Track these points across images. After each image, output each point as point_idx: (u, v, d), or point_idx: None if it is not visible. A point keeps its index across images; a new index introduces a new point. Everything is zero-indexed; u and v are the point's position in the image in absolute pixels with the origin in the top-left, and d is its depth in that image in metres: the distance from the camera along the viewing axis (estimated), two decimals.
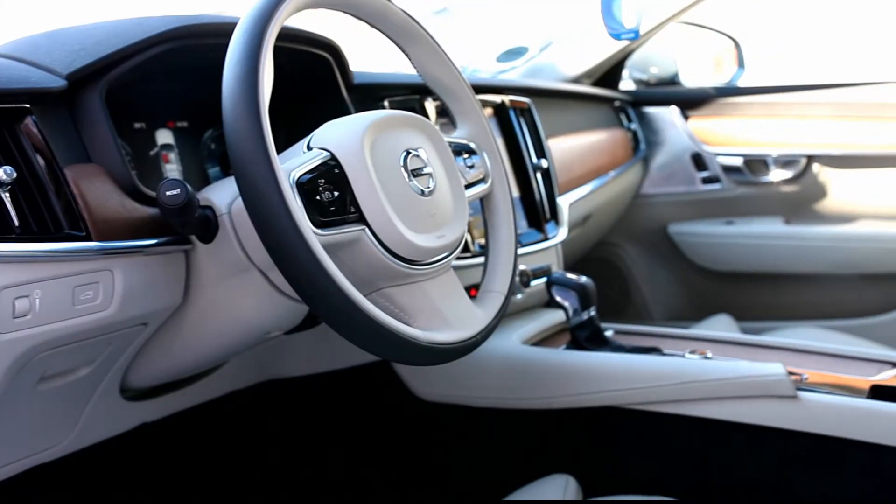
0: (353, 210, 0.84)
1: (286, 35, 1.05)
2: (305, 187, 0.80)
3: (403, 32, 1.00)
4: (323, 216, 0.80)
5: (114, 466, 1.24)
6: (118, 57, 0.90)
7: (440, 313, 0.92)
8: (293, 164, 0.80)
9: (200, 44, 0.97)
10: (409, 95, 1.34)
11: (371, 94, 1.28)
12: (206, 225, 0.87)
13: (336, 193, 0.82)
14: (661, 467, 1.24)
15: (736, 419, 1.16)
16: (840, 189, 2.25)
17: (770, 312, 2.27)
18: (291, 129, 1.17)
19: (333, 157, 0.84)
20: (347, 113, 1.18)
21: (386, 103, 1.29)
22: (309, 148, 0.86)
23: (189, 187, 0.81)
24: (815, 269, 2.25)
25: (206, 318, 0.96)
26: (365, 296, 0.80)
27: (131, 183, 0.88)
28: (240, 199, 0.77)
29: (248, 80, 0.76)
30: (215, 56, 0.83)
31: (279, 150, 0.82)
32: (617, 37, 1.32)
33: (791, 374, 1.15)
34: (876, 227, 2.20)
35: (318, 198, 0.80)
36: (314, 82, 1.19)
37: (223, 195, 0.88)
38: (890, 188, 2.20)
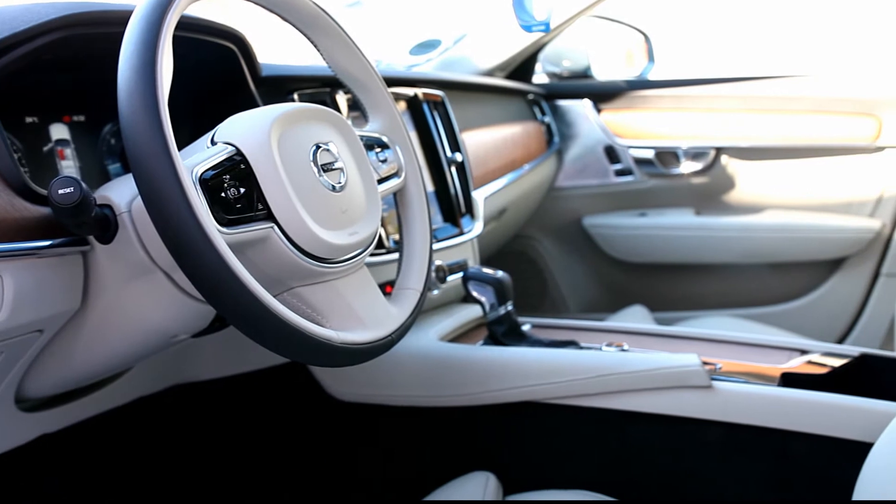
0: (260, 207, 0.80)
1: (188, 25, 1.01)
2: (209, 184, 0.76)
3: (313, 24, 0.97)
4: (228, 214, 0.76)
5: (13, 480, 1.18)
6: (2, 46, 0.84)
7: (354, 312, 0.90)
8: (196, 160, 0.76)
9: (95, 32, 0.92)
10: (319, 88, 1.30)
11: (280, 87, 1.24)
12: (105, 225, 0.82)
13: (242, 190, 0.79)
14: (582, 461, 1.24)
15: (653, 410, 1.17)
16: (747, 180, 2.30)
17: (682, 302, 2.32)
18: (196, 124, 1.12)
19: (239, 152, 0.80)
20: (255, 107, 1.14)
21: (295, 96, 1.25)
22: (213, 143, 0.82)
23: (83, 185, 0.76)
24: (724, 258, 2.30)
25: (107, 322, 0.91)
26: (275, 296, 0.77)
27: (21, 181, 0.82)
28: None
29: (144, 72, 0.72)
30: (112, 46, 0.78)
31: (183, 147, 0.78)
32: (528, 29, 1.31)
33: (705, 364, 1.17)
34: (781, 218, 2.27)
35: (223, 195, 0.77)
36: (219, 75, 1.14)
37: (122, 193, 0.83)
38: (794, 179, 2.26)
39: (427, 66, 2.25)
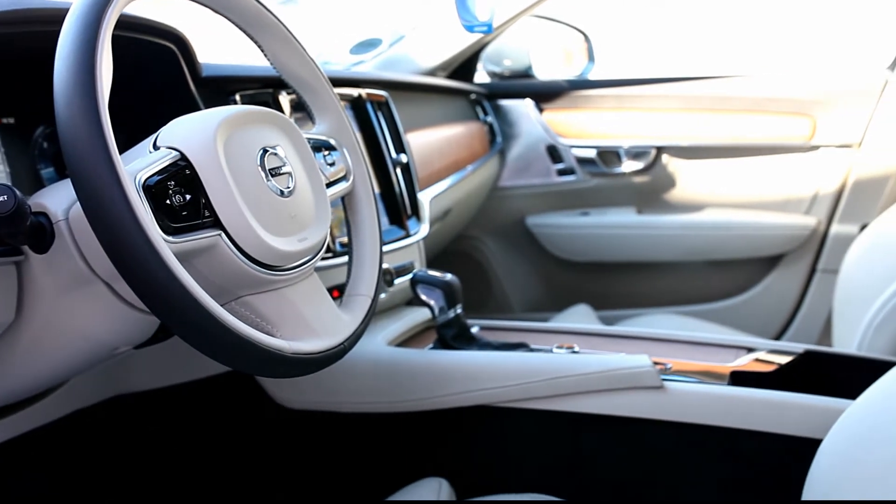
0: (207, 214, 0.77)
1: (125, 23, 0.97)
2: (153, 190, 0.72)
3: (256, 22, 0.94)
4: (174, 222, 0.73)
5: None
6: None
7: (305, 321, 0.87)
8: (138, 166, 0.73)
9: (26, 31, 0.87)
10: (261, 89, 1.27)
11: (221, 88, 1.20)
12: (40, 233, 0.78)
13: (188, 196, 0.75)
14: (535, 464, 1.24)
15: (606, 412, 1.17)
16: (688, 179, 2.33)
17: (626, 300, 2.34)
18: (133, 128, 1.08)
19: (183, 157, 0.77)
20: (196, 109, 1.11)
21: (237, 98, 1.22)
22: (155, 147, 0.78)
23: (18, 192, 0.72)
24: (666, 257, 2.33)
25: (44, 335, 0.87)
26: (222, 306, 0.74)
27: None
28: (78, 203, 0.69)
29: (83, 72, 0.68)
30: (44, 45, 0.74)
31: (119, 152, 0.75)
32: (470, 29, 1.30)
33: (656, 364, 1.17)
34: (721, 216, 2.30)
35: (167, 202, 0.73)
36: (157, 76, 1.10)
37: (59, 200, 0.79)
38: (733, 178, 2.30)
39: (367, 66, 2.22)
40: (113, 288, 0.82)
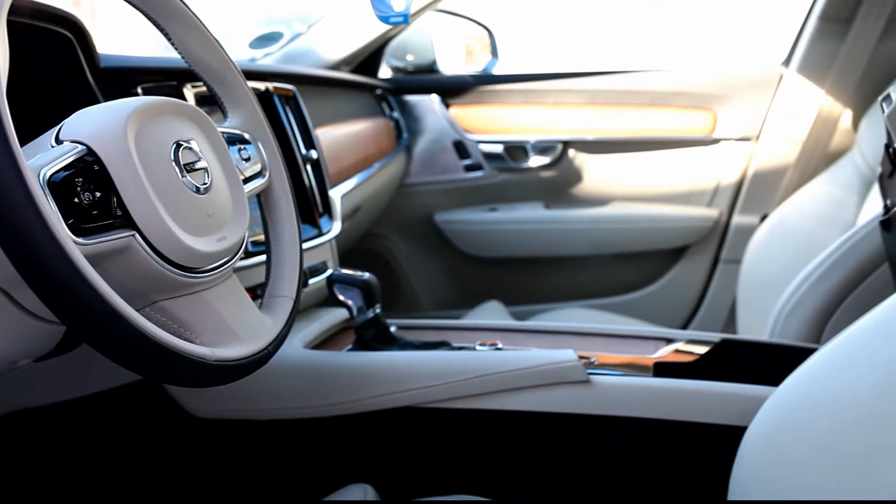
0: (119, 213, 0.71)
1: (17, 8, 0.89)
2: (59, 188, 0.66)
3: (164, 10, 0.88)
4: (83, 222, 0.67)
5: None
6: None
7: (226, 326, 0.82)
8: (42, 161, 0.66)
9: None
10: (164, 81, 1.20)
11: (121, 80, 1.12)
12: None
13: (98, 194, 0.69)
14: (462, 465, 1.21)
15: (533, 408, 1.15)
16: (594, 173, 2.36)
17: (536, 295, 2.35)
18: (26, 122, 1.00)
19: (91, 152, 0.70)
20: (94, 101, 1.03)
21: (139, 90, 1.14)
22: (59, 141, 0.72)
23: None
24: (574, 251, 2.35)
25: None
26: (137, 311, 0.69)
27: None
28: None
29: None
30: None
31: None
32: (386, 20, 1.26)
33: (581, 358, 1.16)
34: (627, 209, 2.34)
35: (75, 200, 0.67)
36: (51, 66, 1.02)
37: None
38: (638, 171, 2.33)
39: (269, 60, 2.16)
40: (11, 296, 0.75)
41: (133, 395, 1.23)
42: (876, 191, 1.66)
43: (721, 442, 1.04)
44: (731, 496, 0.97)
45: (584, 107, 2.30)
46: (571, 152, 2.33)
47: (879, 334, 0.87)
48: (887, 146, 1.11)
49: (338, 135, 1.80)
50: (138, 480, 1.31)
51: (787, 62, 2.24)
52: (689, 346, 1.30)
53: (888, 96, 1.05)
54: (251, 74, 1.47)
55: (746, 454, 0.97)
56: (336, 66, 2.15)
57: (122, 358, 0.67)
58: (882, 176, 1.20)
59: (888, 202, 1.20)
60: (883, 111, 1.06)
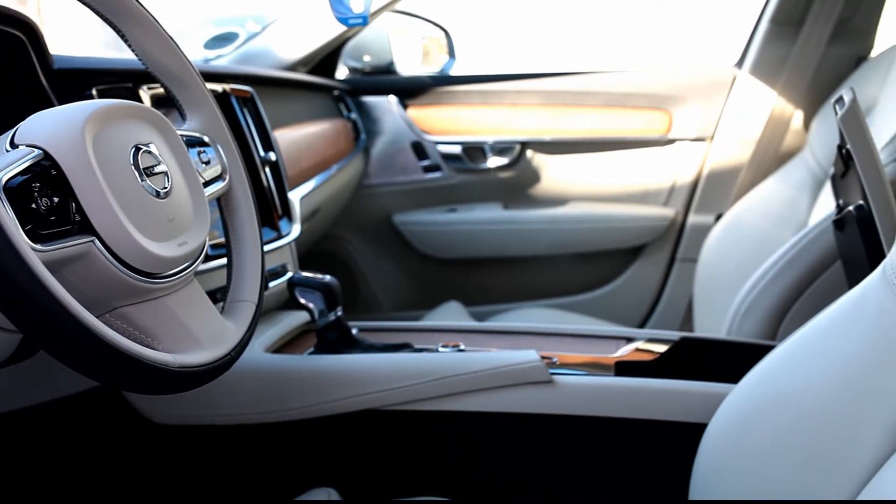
0: (77, 219, 0.70)
1: None
2: (15, 193, 0.64)
3: (120, 11, 0.86)
4: (41, 228, 0.66)
5: None
6: None
7: (188, 331, 0.81)
8: None
9: None
10: (120, 83, 1.18)
11: (75, 82, 1.10)
12: None
13: (56, 200, 0.68)
14: (426, 467, 1.21)
15: (496, 409, 1.16)
16: (552, 173, 2.37)
17: (496, 296, 2.36)
18: None
19: (48, 156, 0.69)
20: (47, 103, 1.01)
21: (94, 92, 1.12)
22: (14, 145, 0.70)
23: None
24: (533, 251, 2.36)
25: None
26: (97, 318, 0.67)
27: None
28: None
29: None
30: None
31: None
32: (345, 22, 1.25)
33: (543, 358, 1.17)
34: (585, 209, 2.35)
35: (32, 206, 0.66)
36: (3, 67, 1.00)
37: None
38: (595, 171, 2.35)
39: (224, 61, 2.13)
40: None
41: (92, 402, 1.20)
42: (827, 190, 1.70)
43: (682, 439, 1.06)
44: (693, 492, 0.99)
45: (542, 107, 2.32)
46: (529, 153, 2.35)
47: (834, 331, 0.90)
48: (840, 147, 1.14)
49: (296, 136, 1.79)
50: (98, 489, 1.29)
51: (739, 64, 2.27)
52: (649, 344, 1.31)
53: (841, 98, 1.08)
54: (208, 76, 1.45)
55: (707, 450, 0.99)
56: (293, 67, 2.13)
57: (82, 366, 0.66)
58: (835, 176, 1.22)
59: (841, 202, 1.22)
60: (836, 113, 1.08)
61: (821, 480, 0.85)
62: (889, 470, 0.80)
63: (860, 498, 0.83)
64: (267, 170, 1.50)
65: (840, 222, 1.21)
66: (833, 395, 0.86)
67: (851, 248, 1.17)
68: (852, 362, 0.85)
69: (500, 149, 2.34)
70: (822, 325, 0.91)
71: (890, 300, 0.83)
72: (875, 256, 1.05)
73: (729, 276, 1.80)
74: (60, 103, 0.95)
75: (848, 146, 1.08)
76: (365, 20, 1.24)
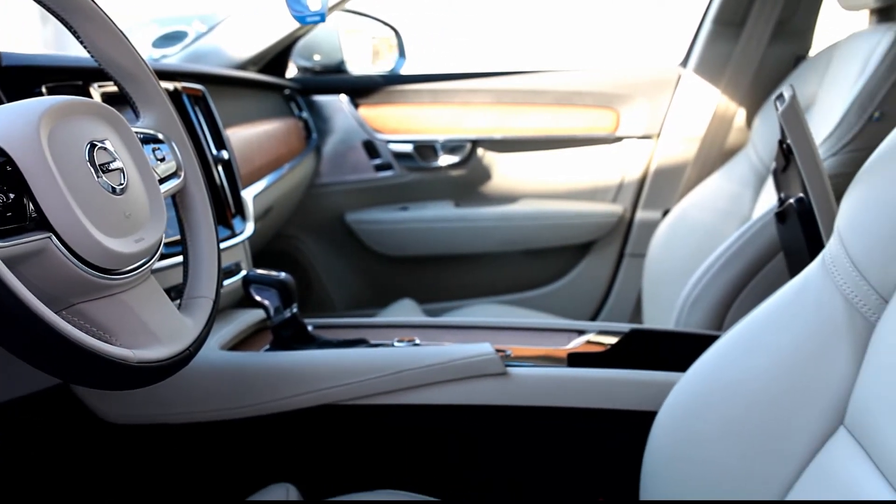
0: (34, 215, 0.70)
1: None
2: None
3: (73, 7, 0.86)
4: None
5: None
6: None
7: (146, 327, 0.81)
8: None
9: None
10: (70, 80, 1.17)
11: (24, 79, 1.09)
12: None
13: (11, 196, 0.68)
14: (384, 460, 1.22)
15: (452, 402, 1.18)
16: (502, 171, 2.40)
17: (449, 292, 2.38)
18: None
19: (2, 153, 0.69)
20: None
21: (44, 89, 1.11)
22: None
23: None
24: (485, 248, 2.39)
25: None
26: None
27: None
28: None
29: None
30: None
31: None
32: (302, 20, 1.26)
33: (497, 351, 1.19)
34: (535, 206, 2.39)
35: None
36: None
37: None
38: (545, 169, 2.39)
39: (173, 59, 2.12)
40: None
41: (45, 402, 1.19)
42: (769, 184, 1.76)
43: (634, 427, 1.09)
44: (644, 477, 1.02)
45: (492, 106, 2.35)
46: (480, 151, 2.37)
47: (775, 320, 0.93)
48: (781, 142, 1.18)
49: (248, 135, 1.79)
50: (51, 490, 1.28)
51: (684, 63, 2.33)
52: (600, 336, 1.34)
53: (781, 95, 1.12)
54: (159, 74, 1.44)
55: (657, 437, 1.02)
56: (243, 66, 2.13)
57: (41, 363, 0.66)
58: (776, 170, 1.27)
59: (782, 195, 1.27)
60: (777, 109, 1.12)
61: (764, 464, 0.89)
62: (825, 454, 0.84)
63: (801, 480, 0.86)
64: (220, 168, 1.50)
65: (782, 215, 1.25)
66: (775, 383, 0.89)
67: (793, 240, 1.22)
68: (793, 350, 0.88)
69: (451, 147, 2.37)
70: (764, 315, 0.95)
71: (829, 289, 0.87)
72: (815, 247, 1.09)
73: (676, 270, 1.85)
74: (9, 100, 0.95)
75: (788, 141, 1.12)
76: (322, 17, 1.25)
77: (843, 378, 0.84)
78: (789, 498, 0.87)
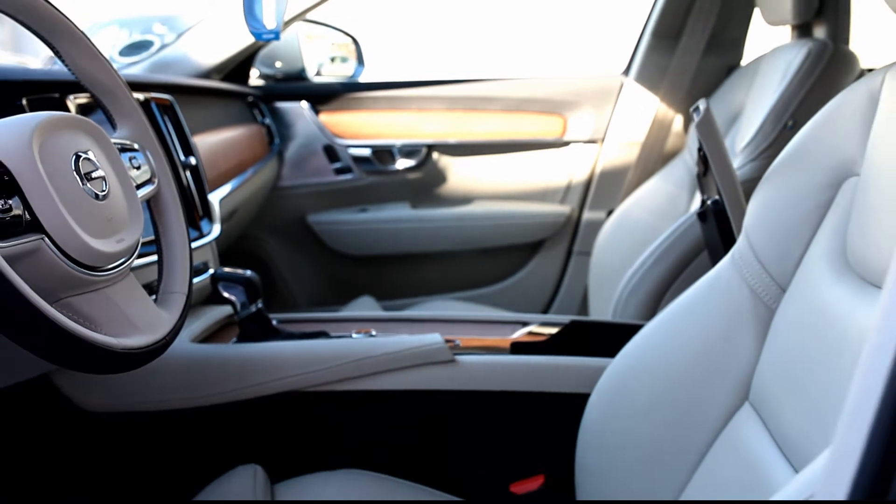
0: (28, 219, 0.79)
1: None
2: None
3: (52, 27, 0.95)
4: None
5: None
6: None
7: (127, 318, 0.91)
8: None
9: None
10: (47, 93, 1.26)
11: (4, 92, 1.18)
12: None
13: (9, 202, 0.77)
14: (344, 442, 1.32)
15: (405, 387, 1.28)
16: (457, 174, 2.51)
17: (406, 290, 2.47)
18: None
19: (0, 164, 0.78)
20: None
21: (24, 102, 1.20)
22: None
23: None
24: (440, 247, 2.49)
25: None
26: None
27: None
28: None
29: None
30: None
31: None
32: (259, 37, 1.34)
33: (447, 341, 1.30)
34: (488, 207, 2.50)
35: None
36: None
37: None
38: (497, 172, 2.50)
39: (138, 68, 2.18)
40: None
41: (23, 392, 1.27)
42: None
43: (570, 408, 1.20)
44: (579, 450, 1.13)
45: (446, 112, 2.46)
46: (435, 155, 2.48)
47: (692, 308, 1.05)
48: (699, 150, 1.30)
49: (213, 141, 1.87)
50: (29, 476, 1.35)
51: (626, 72, 2.46)
52: (541, 328, 1.46)
53: (697, 107, 1.24)
54: (130, 85, 1.53)
55: (590, 415, 1.13)
56: (207, 74, 2.20)
57: (37, 348, 0.76)
58: (698, 175, 1.39)
59: (704, 197, 1.39)
60: (693, 120, 1.24)
61: (680, 437, 1.00)
62: (732, 427, 0.96)
63: (712, 450, 0.98)
64: (188, 173, 1.59)
65: (703, 215, 1.37)
66: (690, 364, 1.02)
67: (712, 237, 1.34)
68: (706, 335, 1.00)
69: (408, 151, 2.47)
70: (682, 305, 1.07)
71: (737, 281, 0.99)
72: (729, 243, 1.21)
73: (617, 266, 1.97)
74: None
75: (704, 149, 1.24)
76: (277, 35, 1.33)
77: (748, 359, 0.96)
78: (701, 466, 0.99)
